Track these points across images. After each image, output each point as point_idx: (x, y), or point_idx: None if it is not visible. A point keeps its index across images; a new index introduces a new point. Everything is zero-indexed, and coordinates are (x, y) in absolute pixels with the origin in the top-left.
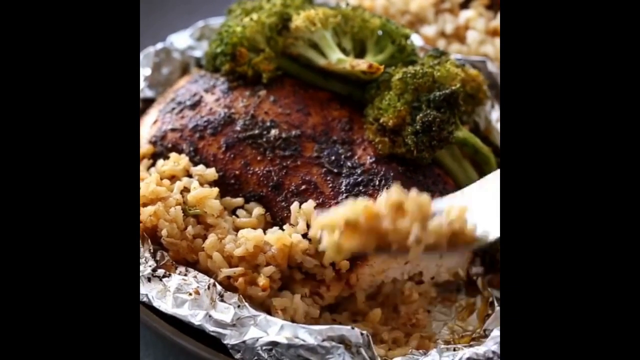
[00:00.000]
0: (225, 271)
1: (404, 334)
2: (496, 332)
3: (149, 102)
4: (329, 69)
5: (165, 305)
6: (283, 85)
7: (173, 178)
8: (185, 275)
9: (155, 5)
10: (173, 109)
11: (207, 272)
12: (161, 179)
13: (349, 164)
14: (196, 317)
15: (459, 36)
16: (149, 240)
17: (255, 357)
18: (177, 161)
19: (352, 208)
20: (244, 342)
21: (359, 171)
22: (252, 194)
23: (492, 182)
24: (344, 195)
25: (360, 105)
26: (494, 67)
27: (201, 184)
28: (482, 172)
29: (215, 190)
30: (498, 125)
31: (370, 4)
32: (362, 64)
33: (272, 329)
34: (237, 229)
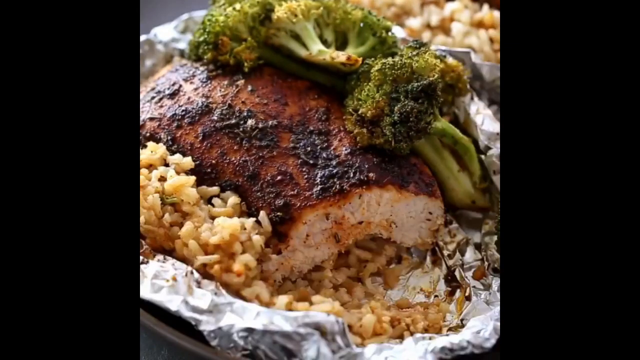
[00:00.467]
0: (201, 258)
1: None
2: (472, 323)
3: None
4: (309, 60)
5: (143, 291)
6: (262, 74)
7: (150, 167)
8: (163, 262)
9: None
10: (152, 98)
11: (184, 259)
12: (139, 167)
13: (324, 155)
14: (173, 303)
15: (444, 28)
16: None
17: (232, 344)
18: (154, 150)
19: None
20: (219, 328)
21: (334, 163)
22: (228, 183)
23: None
24: (319, 187)
25: (341, 95)
26: (478, 59)
27: (178, 173)
28: (461, 163)
29: (192, 178)
30: (477, 118)
31: None
32: (341, 56)
33: (248, 315)
34: (213, 218)
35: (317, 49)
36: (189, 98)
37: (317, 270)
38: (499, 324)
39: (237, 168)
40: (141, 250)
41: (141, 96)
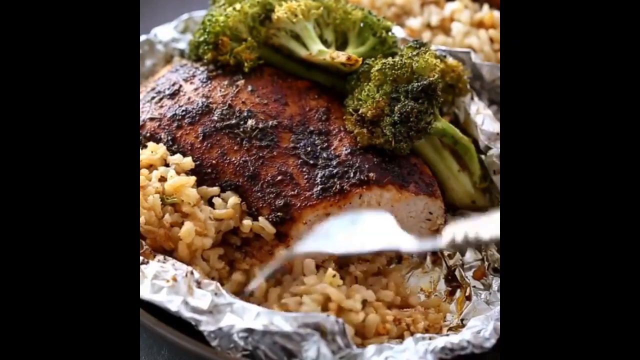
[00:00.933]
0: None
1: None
2: (473, 322)
3: None
4: (310, 60)
5: (143, 291)
6: (262, 74)
7: (151, 167)
8: (164, 262)
9: None
10: (152, 98)
11: (185, 260)
12: (140, 168)
13: (324, 155)
14: (173, 304)
15: (444, 28)
16: None
17: (232, 345)
18: (154, 150)
19: None
20: (220, 328)
21: (334, 163)
22: (228, 183)
23: None
24: (319, 187)
25: (342, 95)
26: (478, 59)
27: (178, 173)
28: (462, 163)
29: (193, 178)
30: (477, 118)
31: None
32: (341, 56)
33: (248, 316)
34: (216, 219)
35: (317, 49)
36: (189, 98)
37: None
38: (499, 323)
39: (238, 168)
40: (141, 251)
41: (141, 96)
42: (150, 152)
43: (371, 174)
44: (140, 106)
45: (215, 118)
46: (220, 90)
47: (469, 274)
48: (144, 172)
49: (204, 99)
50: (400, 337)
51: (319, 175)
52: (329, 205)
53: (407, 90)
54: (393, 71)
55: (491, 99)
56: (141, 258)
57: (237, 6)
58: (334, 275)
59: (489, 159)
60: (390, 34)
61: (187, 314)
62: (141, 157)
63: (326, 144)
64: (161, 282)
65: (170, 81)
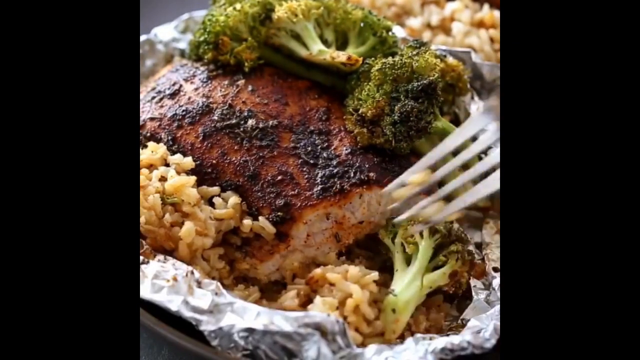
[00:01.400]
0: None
1: None
2: (473, 322)
3: None
4: (310, 60)
5: (143, 291)
6: (262, 74)
7: (151, 167)
8: (164, 262)
9: None
10: (153, 98)
11: (185, 260)
12: (139, 167)
13: (324, 154)
14: (173, 303)
15: (444, 28)
16: None
17: (232, 345)
18: (154, 150)
19: None
20: (220, 328)
21: (334, 162)
22: (229, 183)
23: None
24: (319, 186)
25: (342, 95)
26: (478, 58)
27: (178, 173)
28: None
29: (193, 178)
30: None
31: None
32: (341, 56)
33: (249, 315)
34: (216, 219)
35: (317, 49)
36: (189, 98)
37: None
38: (499, 323)
39: (238, 168)
40: (141, 250)
41: (141, 96)
42: (151, 152)
43: (371, 174)
44: (141, 106)
45: (216, 118)
46: (220, 90)
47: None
48: (144, 171)
49: (204, 99)
50: (401, 337)
51: (319, 175)
52: (329, 205)
53: (407, 90)
54: (393, 71)
55: None
56: (141, 258)
57: (238, 6)
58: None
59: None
60: (390, 33)
61: (187, 313)
62: (141, 157)
63: (326, 144)
64: (161, 281)
65: (170, 81)
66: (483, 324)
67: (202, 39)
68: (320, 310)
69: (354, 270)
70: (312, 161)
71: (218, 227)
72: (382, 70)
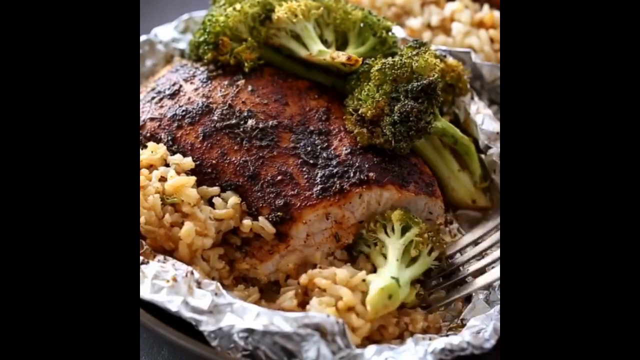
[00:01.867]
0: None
1: None
2: (472, 322)
3: None
4: (310, 60)
5: (143, 291)
6: (262, 74)
7: (151, 167)
8: (164, 262)
9: None
10: (153, 98)
11: (185, 260)
12: (140, 168)
13: (324, 155)
14: (173, 304)
15: (444, 28)
16: None
17: (232, 345)
18: (154, 150)
19: None
20: (220, 328)
21: (334, 162)
22: (229, 183)
23: None
24: (319, 186)
25: (342, 95)
26: (478, 59)
27: (178, 173)
28: (462, 162)
29: (193, 178)
30: (477, 118)
31: None
32: (341, 56)
33: (248, 316)
34: (216, 219)
35: (317, 49)
36: (189, 98)
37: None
38: (499, 323)
39: (238, 168)
40: (141, 251)
41: (141, 96)
42: (151, 152)
43: (371, 174)
44: (141, 106)
45: (216, 118)
46: (220, 90)
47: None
48: (144, 172)
49: (204, 99)
50: (400, 337)
51: (319, 175)
52: (328, 204)
53: (407, 90)
54: (393, 71)
55: (491, 99)
56: (141, 258)
57: (238, 6)
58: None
59: (489, 158)
60: (390, 34)
61: (187, 314)
62: (141, 157)
63: (326, 144)
64: (161, 282)
65: (170, 81)
66: (482, 324)
67: (202, 39)
68: (318, 311)
69: (341, 273)
70: (311, 161)
71: (218, 227)
72: (382, 70)
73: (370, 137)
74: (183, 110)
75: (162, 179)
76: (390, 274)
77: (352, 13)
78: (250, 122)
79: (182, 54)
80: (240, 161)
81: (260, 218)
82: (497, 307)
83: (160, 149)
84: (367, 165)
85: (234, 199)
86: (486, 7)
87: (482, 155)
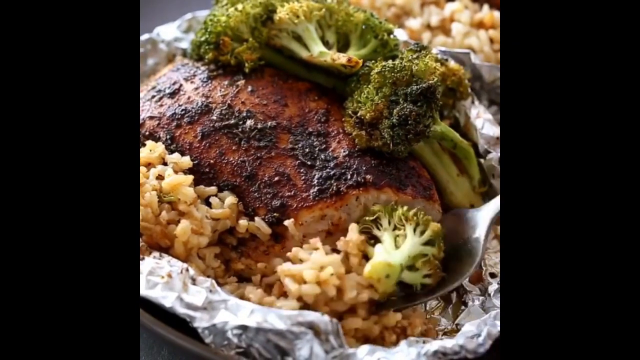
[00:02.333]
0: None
1: None
2: (467, 327)
3: None
4: (311, 61)
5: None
6: (262, 75)
7: (149, 165)
8: (159, 259)
9: None
10: (153, 96)
11: (180, 258)
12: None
13: (322, 156)
14: (167, 300)
15: (444, 28)
16: None
17: (226, 342)
18: (152, 149)
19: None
20: (214, 325)
21: (331, 164)
22: (226, 183)
23: None
24: (316, 188)
25: (342, 97)
26: (477, 59)
27: (176, 172)
28: (461, 166)
29: (190, 177)
30: (477, 122)
31: None
32: (342, 58)
33: (242, 313)
34: (212, 218)
35: (318, 51)
36: (189, 97)
37: None
38: (493, 329)
39: (235, 168)
40: None
41: (142, 95)
42: (149, 151)
43: (368, 176)
44: (141, 104)
45: (215, 118)
46: (220, 90)
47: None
48: (142, 169)
49: (203, 99)
50: (396, 341)
51: (316, 177)
52: (325, 206)
53: (406, 93)
54: (392, 74)
55: (491, 99)
56: None
57: (239, 6)
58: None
59: (488, 162)
60: (392, 36)
61: (181, 310)
62: (140, 155)
63: (324, 146)
64: (156, 278)
65: (171, 80)
66: (477, 329)
67: (203, 39)
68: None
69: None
70: (309, 162)
71: (214, 226)
72: (381, 73)
73: (369, 140)
74: (182, 110)
75: (160, 177)
76: (389, 257)
77: (354, 15)
78: (249, 122)
79: (185, 53)
80: (238, 161)
81: (256, 218)
82: (493, 313)
83: (159, 148)
84: (364, 168)
85: (230, 199)
86: (486, 7)
87: (482, 160)
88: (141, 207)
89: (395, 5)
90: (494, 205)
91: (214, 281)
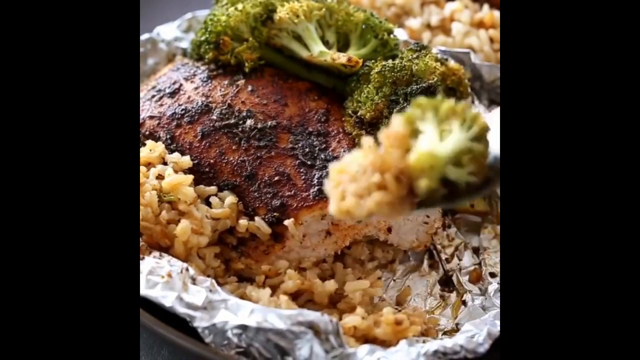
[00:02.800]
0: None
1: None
2: (467, 327)
3: None
4: (311, 61)
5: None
6: (262, 75)
7: (149, 165)
8: (159, 259)
9: None
10: (153, 96)
11: (180, 257)
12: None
13: (322, 156)
14: (167, 299)
15: (444, 28)
16: None
17: (226, 342)
18: (153, 148)
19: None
20: (214, 325)
21: (332, 164)
22: (226, 182)
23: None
24: (316, 187)
25: (342, 97)
26: (477, 59)
27: (176, 172)
28: None
29: (190, 177)
30: None
31: None
32: (342, 57)
33: (242, 312)
34: (212, 218)
35: (318, 50)
36: (189, 97)
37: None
38: (493, 329)
39: (235, 168)
40: None
41: (142, 94)
42: (149, 150)
43: None
44: (141, 104)
45: (215, 117)
46: (220, 90)
47: (466, 278)
48: (142, 169)
49: (203, 98)
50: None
51: (316, 176)
52: (325, 206)
53: (406, 93)
54: (392, 73)
55: (491, 99)
56: None
57: (239, 6)
58: None
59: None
60: (392, 36)
61: (181, 309)
62: (140, 154)
63: (324, 145)
64: (156, 277)
65: (171, 80)
66: (477, 329)
67: (203, 38)
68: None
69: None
70: (309, 162)
71: (214, 226)
72: (381, 72)
73: None
74: (182, 109)
75: (160, 177)
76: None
77: (354, 15)
78: (249, 122)
79: (185, 53)
80: (238, 161)
81: (256, 218)
82: (492, 313)
83: (159, 147)
84: None
85: (230, 199)
86: (486, 7)
87: None
88: (141, 207)
89: (395, 4)
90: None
91: (214, 281)
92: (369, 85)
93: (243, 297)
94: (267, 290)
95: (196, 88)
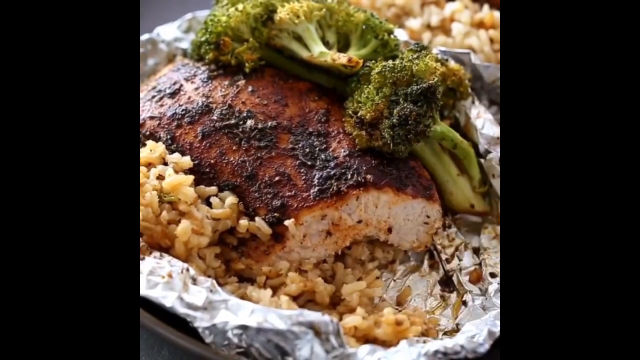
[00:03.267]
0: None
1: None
2: (467, 327)
3: None
4: (311, 61)
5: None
6: (263, 75)
7: (149, 165)
8: (160, 259)
9: None
10: (153, 97)
11: (181, 258)
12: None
13: (322, 156)
14: (167, 299)
15: (444, 28)
16: None
17: (226, 342)
18: (153, 149)
19: None
20: (214, 325)
21: (332, 164)
22: (226, 183)
23: None
24: (316, 188)
25: (343, 97)
26: (478, 59)
27: (176, 172)
28: (461, 166)
29: (190, 177)
30: (477, 122)
31: None
32: (342, 58)
33: (243, 313)
34: (213, 218)
35: (318, 51)
36: (189, 97)
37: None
38: (493, 329)
39: (236, 168)
40: None
41: (142, 95)
42: (149, 151)
43: (369, 176)
44: (141, 105)
45: (215, 118)
46: (220, 90)
47: (466, 278)
48: (142, 169)
49: (204, 99)
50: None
51: (317, 177)
52: (325, 206)
53: (406, 93)
54: (393, 74)
55: (491, 99)
56: None
57: (240, 6)
58: None
59: (488, 163)
60: (392, 36)
61: (181, 309)
62: (140, 155)
63: (325, 146)
64: (157, 278)
65: (171, 80)
66: (477, 329)
67: (203, 39)
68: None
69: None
70: (309, 162)
71: (215, 226)
72: (381, 73)
73: (369, 140)
74: (183, 110)
75: (160, 177)
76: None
77: (354, 15)
78: (250, 122)
79: (185, 53)
80: (239, 161)
81: (257, 218)
82: (492, 313)
83: (159, 148)
84: (364, 168)
85: (231, 199)
86: (486, 7)
87: (482, 160)
88: (141, 207)
89: (396, 5)
90: None
91: (214, 281)
92: (369, 86)
93: (244, 297)
94: (268, 291)
95: (196, 88)
